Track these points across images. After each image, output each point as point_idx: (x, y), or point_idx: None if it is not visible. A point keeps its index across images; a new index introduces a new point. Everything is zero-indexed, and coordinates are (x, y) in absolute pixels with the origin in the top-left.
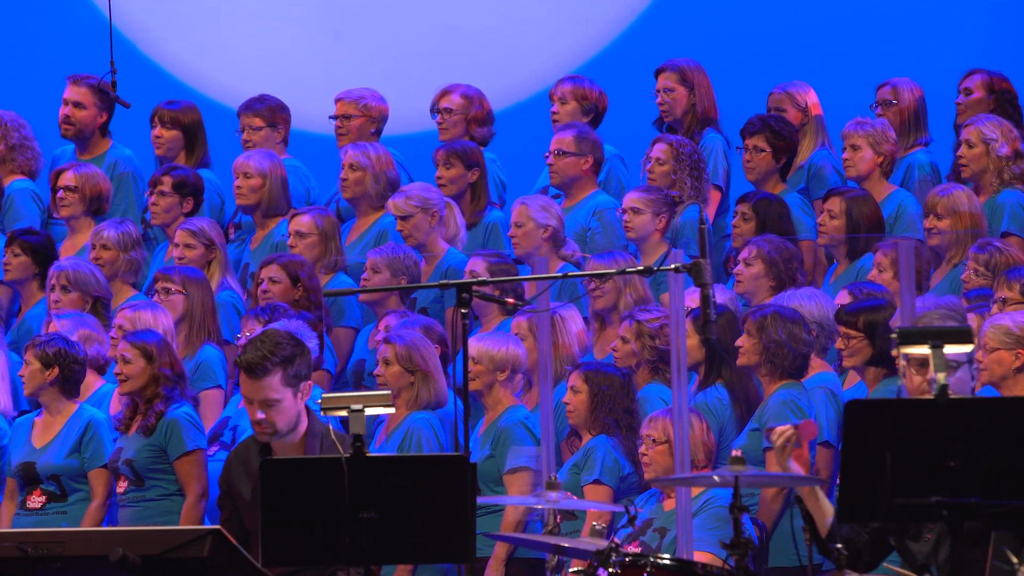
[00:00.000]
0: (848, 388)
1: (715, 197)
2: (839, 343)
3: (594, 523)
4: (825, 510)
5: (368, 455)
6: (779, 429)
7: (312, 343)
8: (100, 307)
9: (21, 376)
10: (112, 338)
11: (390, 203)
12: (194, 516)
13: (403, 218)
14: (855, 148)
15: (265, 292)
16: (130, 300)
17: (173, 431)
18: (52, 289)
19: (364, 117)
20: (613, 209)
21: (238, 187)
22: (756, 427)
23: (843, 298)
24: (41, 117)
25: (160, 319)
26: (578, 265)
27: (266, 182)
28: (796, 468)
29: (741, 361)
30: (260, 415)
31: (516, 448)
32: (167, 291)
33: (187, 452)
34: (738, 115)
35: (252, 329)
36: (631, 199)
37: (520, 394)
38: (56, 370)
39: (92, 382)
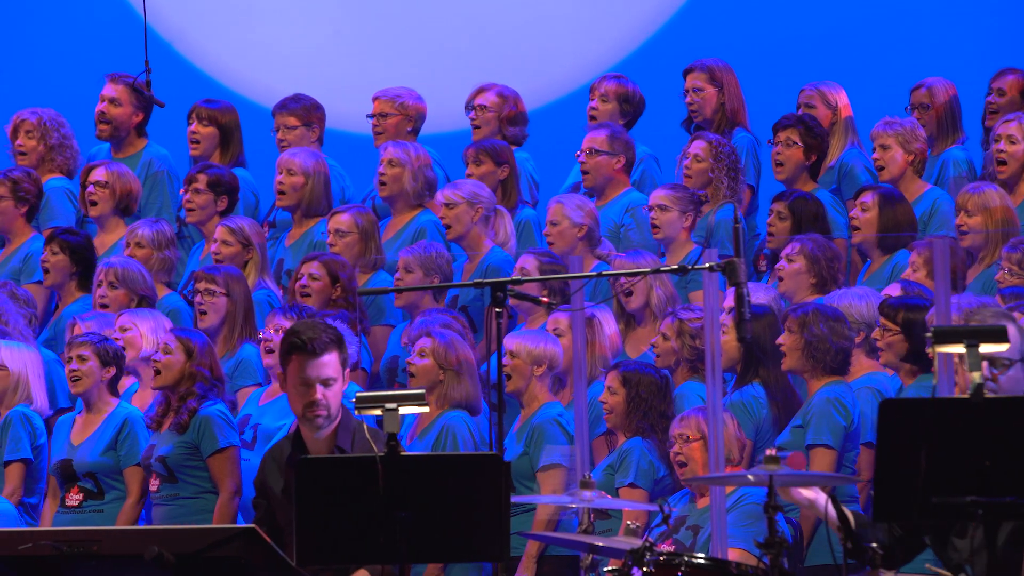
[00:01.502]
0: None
1: (745, 197)
2: (875, 333)
3: (628, 522)
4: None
5: (402, 454)
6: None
7: (352, 348)
8: (145, 306)
9: (73, 372)
10: (114, 338)
11: (439, 193)
12: (227, 513)
13: (448, 206)
14: (885, 148)
15: (304, 288)
16: (166, 298)
17: (206, 428)
18: (99, 285)
19: (401, 115)
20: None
21: (280, 183)
22: (799, 424)
23: (894, 290)
24: (77, 117)
25: (160, 323)
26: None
27: (309, 181)
28: (800, 497)
29: (785, 363)
30: (319, 395)
31: (549, 446)
32: (211, 293)
33: (220, 449)
34: (769, 115)
35: (277, 325)
36: (657, 197)
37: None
38: (113, 369)
39: (122, 380)
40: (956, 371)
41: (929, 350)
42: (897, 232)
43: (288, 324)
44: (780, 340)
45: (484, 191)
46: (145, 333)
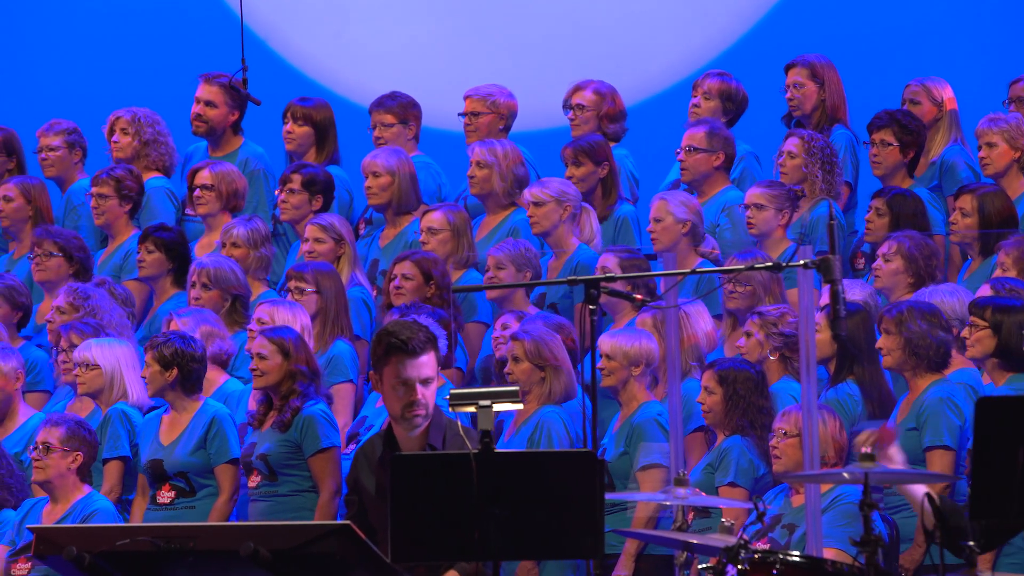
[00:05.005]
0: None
1: (843, 194)
2: (964, 331)
3: (723, 520)
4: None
5: (496, 451)
6: (861, 437)
7: (441, 342)
8: (239, 304)
9: (143, 377)
10: (250, 331)
11: (526, 191)
12: (328, 513)
13: (536, 204)
14: (991, 145)
15: (398, 288)
16: (264, 295)
17: (308, 428)
18: (193, 286)
19: (493, 114)
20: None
21: (368, 187)
22: (913, 426)
23: (984, 292)
24: (175, 115)
25: (298, 316)
26: (716, 261)
27: (395, 179)
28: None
29: (887, 363)
30: (419, 395)
31: (648, 445)
32: (301, 291)
33: (322, 449)
34: (868, 111)
35: None
36: (753, 195)
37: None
38: (175, 371)
39: (215, 378)
40: None
41: None
42: (996, 232)
43: None
44: (879, 344)
45: (572, 189)
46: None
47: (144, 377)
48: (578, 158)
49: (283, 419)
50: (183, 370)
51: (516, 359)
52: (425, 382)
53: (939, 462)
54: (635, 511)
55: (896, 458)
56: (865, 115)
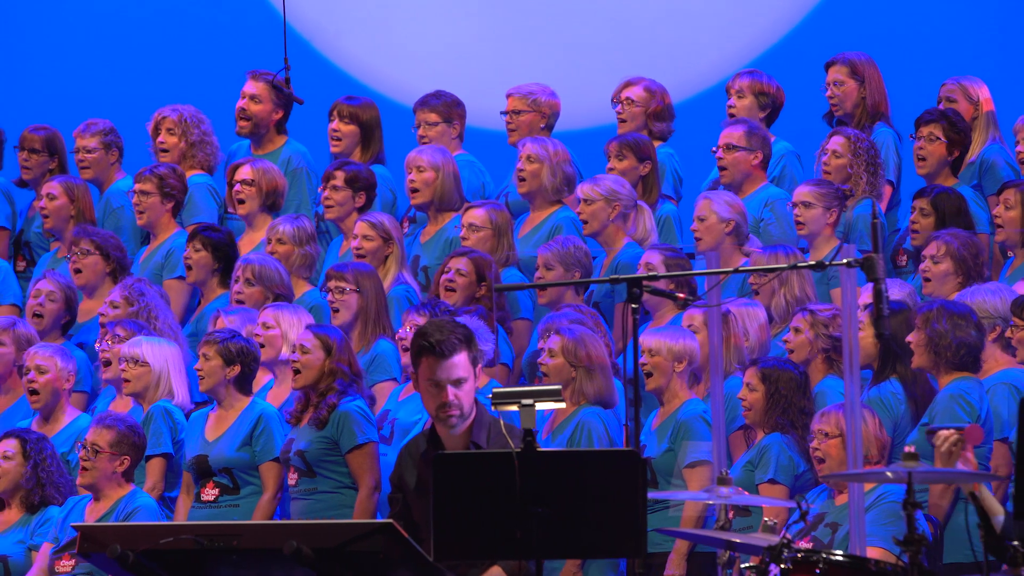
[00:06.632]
0: None
1: (886, 192)
2: (1008, 331)
3: (766, 519)
4: (993, 509)
5: (538, 449)
6: (943, 433)
7: (488, 346)
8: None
9: (199, 371)
10: (255, 336)
11: (579, 187)
12: (367, 508)
13: (586, 202)
14: None
15: (450, 282)
16: (308, 294)
17: (345, 424)
18: (236, 281)
19: (534, 112)
20: (784, 200)
21: (411, 181)
22: (926, 421)
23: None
24: (218, 114)
25: (303, 320)
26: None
27: (439, 175)
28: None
29: (915, 362)
30: (450, 396)
31: (695, 442)
32: (341, 290)
33: (359, 445)
34: (909, 110)
35: (413, 323)
36: (802, 193)
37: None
38: (238, 367)
39: (260, 377)
40: None
41: None
42: None
43: (423, 321)
44: (909, 338)
45: (623, 188)
46: (286, 332)
47: (200, 371)
48: (622, 151)
49: (319, 416)
50: (244, 368)
51: (552, 354)
52: (457, 383)
53: None
54: (683, 510)
55: (972, 462)
56: (906, 114)
